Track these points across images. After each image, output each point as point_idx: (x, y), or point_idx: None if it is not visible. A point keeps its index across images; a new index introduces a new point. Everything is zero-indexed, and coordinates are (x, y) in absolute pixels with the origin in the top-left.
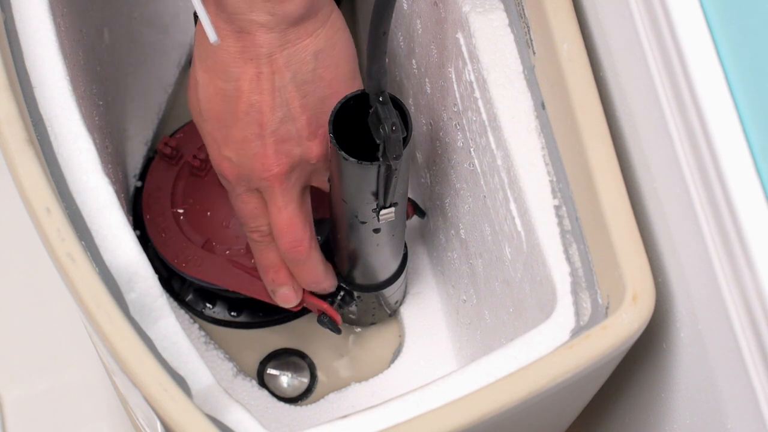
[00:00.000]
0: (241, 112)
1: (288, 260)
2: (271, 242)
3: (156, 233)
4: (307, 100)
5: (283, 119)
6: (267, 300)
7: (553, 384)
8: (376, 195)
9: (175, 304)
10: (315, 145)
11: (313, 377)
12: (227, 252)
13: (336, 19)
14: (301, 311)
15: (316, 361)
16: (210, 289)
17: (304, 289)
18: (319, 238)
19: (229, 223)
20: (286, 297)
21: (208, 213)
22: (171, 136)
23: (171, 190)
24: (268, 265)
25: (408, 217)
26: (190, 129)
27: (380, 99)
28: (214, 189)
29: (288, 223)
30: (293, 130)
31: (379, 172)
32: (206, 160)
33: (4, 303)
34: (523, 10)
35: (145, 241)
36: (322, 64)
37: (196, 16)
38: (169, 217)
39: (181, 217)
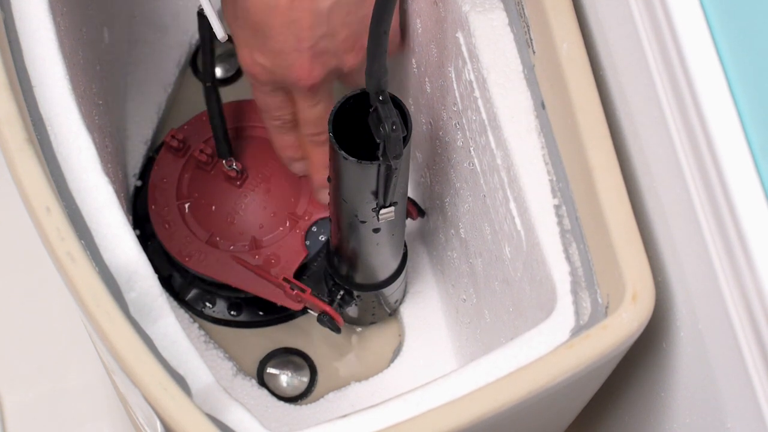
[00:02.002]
0: (280, 26)
1: (312, 144)
2: (292, 128)
3: (160, 225)
4: (350, 18)
5: (323, 35)
6: (268, 297)
7: (553, 383)
8: (375, 194)
9: (174, 303)
10: (351, 57)
11: (313, 376)
12: (231, 248)
13: None
14: (302, 310)
15: (315, 361)
16: (212, 283)
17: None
18: (321, 238)
19: (234, 219)
20: (302, 169)
21: (213, 207)
22: (178, 128)
23: (177, 182)
24: (287, 145)
25: (413, 218)
26: (197, 121)
27: (380, 98)
28: (220, 184)
29: (318, 116)
30: (331, 45)
31: (379, 171)
32: (213, 155)
33: (4, 302)
34: (522, 9)
35: (144, 240)
36: None
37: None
38: (174, 209)
39: (186, 210)
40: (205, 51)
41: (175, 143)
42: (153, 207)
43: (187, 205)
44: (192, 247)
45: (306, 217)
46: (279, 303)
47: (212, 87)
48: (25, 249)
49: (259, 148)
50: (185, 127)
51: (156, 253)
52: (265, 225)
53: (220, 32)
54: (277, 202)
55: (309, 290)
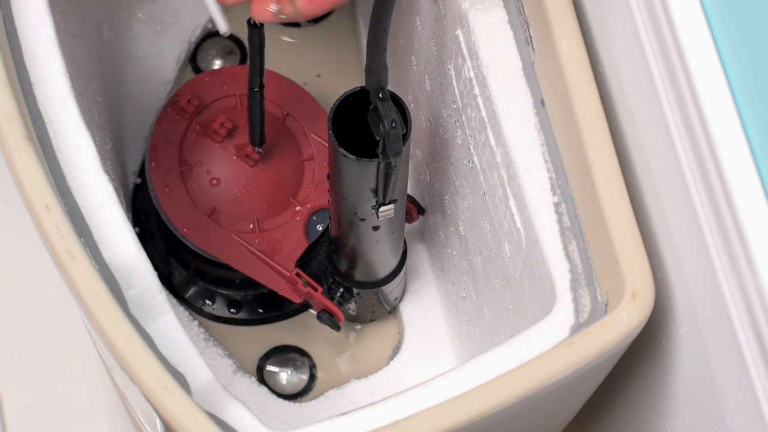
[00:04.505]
0: None
1: None
2: None
3: (160, 187)
4: None
5: None
6: (270, 286)
7: (553, 381)
8: (375, 192)
9: (174, 301)
10: None
11: (313, 374)
12: (232, 226)
13: None
14: (301, 307)
15: (315, 358)
16: (211, 280)
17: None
18: (319, 227)
19: (239, 196)
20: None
21: (219, 180)
22: (183, 87)
23: (179, 145)
24: None
25: (414, 219)
26: (199, 82)
27: (380, 95)
28: (230, 158)
29: None
30: None
31: (378, 169)
32: (232, 130)
33: (3, 300)
34: (522, 7)
35: (144, 237)
36: None
37: None
38: (176, 174)
39: (190, 178)
40: (254, 58)
41: (190, 108)
42: (153, 165)
43: (191, 172)
44: (194, 220)
45: (307, 205)
46: (280, 293)
47: (259, 92)
48: (25, 247)
49: (270, 128)
50: (184, 87)
51: (156, 250)
52: (268, 208)
53: (222, 27)
54: (282, 186)
55: (321, 290)
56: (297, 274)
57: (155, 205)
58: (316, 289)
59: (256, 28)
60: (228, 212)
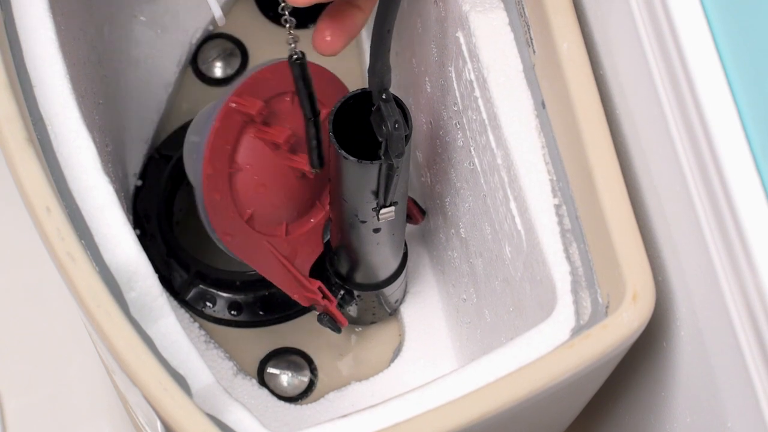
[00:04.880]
0: None
1: None
2: None
3: (211, 195)
4: None
5: None
6: (284, 289)
7: (554, 383)
8: (376, 194)
9: (175, 303)
10: None
11: (314, 376)
12: (266, 231)
13: None
14: (302, 310)
15: (316, 360)
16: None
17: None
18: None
19: (278, 202)
20: None
21: (265, 186)
22: (240, 89)
23: (232, 148)
24: None
25: (418, 221)
26: (255, 83)
27: (383, 97)
28: (282, 168)
29: None
30: None
31: (379, 170)
32: (295, 146)
33: (4, 301)
34: (523, 9)
35: (145, 239)
36: None
37: None
38: (225, 178)
39: (237, 182)
40: (301, 90)
41: (259, 118)
42: (209, 171)
43: (239, 175)
44: (234, 226)
45: (327, 207)
46: (293, 297)
47: (314, 120)
48: (25, 249)
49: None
50: (244, 88)
51: (156, 252)
52: (298, 212)
53: (218, 12)
54: (314, 190)
55: (335, 301)
56: (318, 288)
57: (200, 212)
58: (331, 301)
59: (297, 63)
60: (264, 218)
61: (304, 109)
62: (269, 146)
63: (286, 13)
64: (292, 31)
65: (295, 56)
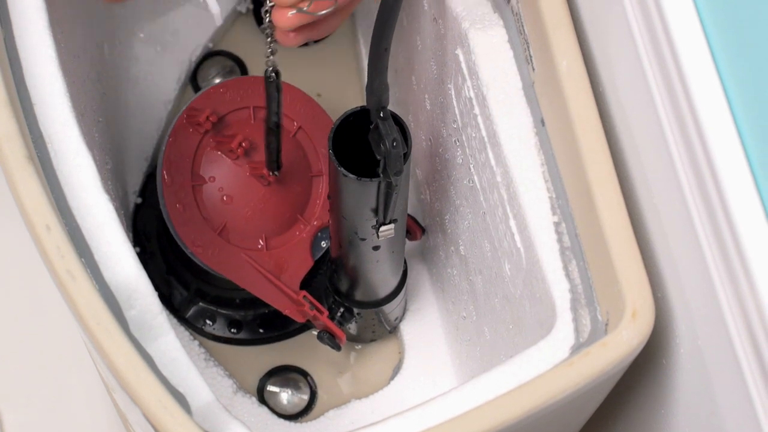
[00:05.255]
0: None
1: None
2: None
3: (172, 204)
4: None
5: None
6: (275, 305)
7: (553, 401)
8: (375, 211)
9: (174, 320)
10: None
11: (313, 394)
12: (242, 244)
13: None
14: (302, 327)
15: (316, 378)
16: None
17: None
18: (324, 245)
19: (250, 213)
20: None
21: (232, 197)
22: (195, 99)
23: (192, 159)
24: None
25: (417, 238)
26: (212, 95)
27: (381, 115)
28: (244, 176)
29: None
30: None
31: (379, 188)
32: (249, 150)
33: (3, 319)
34: (522, 26)
35: (144, 257)
36: None
37: None
38: (188, 190)
39: (202, 194)
40: (272, 104)
41: (208, 124)
42: (166, 179)
43: (203, 188)
44: (205, 237)
45: (313, 222)
46: (285, 312)
47: (275, 129)
48: (25, 266)
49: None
50: (200, 99)
51: (156, 270)
52: (277, 225)
53: (215, 8)
54: (292, 203)
55: (326, 312)
56: (304, 297)
57: (166, 222)
58: (321, 312)
59: (272, 82)
60: (238, 230)
61: (269, 119)
62: (228, 156)
63: (266, 18)
64: (272, 45)
65: (270, 78)
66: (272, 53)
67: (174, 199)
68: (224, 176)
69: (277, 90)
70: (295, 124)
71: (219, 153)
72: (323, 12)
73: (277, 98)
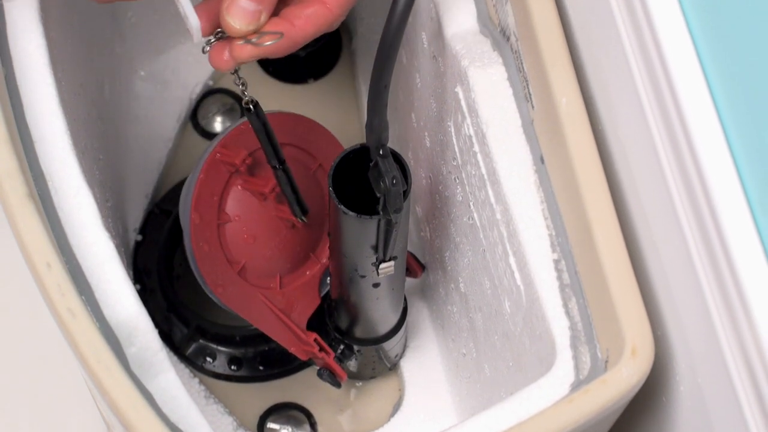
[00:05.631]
0: None
1: None
2: None
3: (199, 244)
4: None
5: None
6: (282, 343)
7: None
8: (375, 249)
9: (175, 358)
10: None
11: (313, 431)
12: (258, 283)
13: None
14: (302, 364)
15: (316, 415)
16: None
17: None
18: (329, 281)
19: (270, 254)
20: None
21: (255, 238)
22: (224, 139)
23: (220, 199)
24: None
25: (417, 276)
26: (239, 135)
27: (381, 152)
28: (270, 218)
29: None
30: None
31: (378, 225)
32: (281, 196)
33: (3, 355)
34: (521, 64)
35: (145, 294)
36: None
37: None
38: (214, 229)
39: (226, 233)
40: (262, 138)
41: (243, 168)
42: (195, 220)
43: (227, 226)
44: (226, 277)
45: (323, 260)
46: (290, 350)
47: (282, 168)
48: (25, 304)
49: (303, 180)
50: (229, 139)
51: (156, 307)
52: (293, 264)
53: (195, 22)
54: (307, 242)
55: (333, 354)
56: (315, 340)
57: (190, 263)
58: (329, 354)
59: (251, 111)
60: (257, 269)
61: (268, 157)
62: (257, 197)
63: (206, 50)
64: (241, 77)
65: (247, 106)
66: (242, 84)
67: (201, 240)
68: (250, 216)
69: (261, 123)
70: (316, 161)
71: (249, 193)
72: (269, 43)
73: (264, 132)
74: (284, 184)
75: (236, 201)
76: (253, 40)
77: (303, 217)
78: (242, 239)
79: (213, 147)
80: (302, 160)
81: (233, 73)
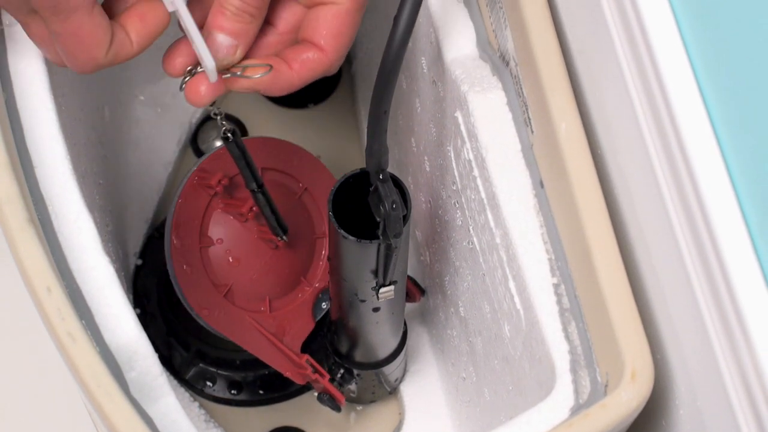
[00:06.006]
0: None
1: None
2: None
3: (179, 266)
4: None
5: None
6: (277, 368)
7: None
8: (375, 273)
9: (175, 382)
10: None
11: None
12: (247, 306)
13: None
14: (302, 388)
15: None
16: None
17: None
18: (324, 305)
19: (256, 276)
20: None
21: (239, 260)
22: (203, 162)
23: (201, 221)
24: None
25: (416, 300)
26: (218, 157)
27: (381, 177)
28: (252, 239)
29: None
30: None
31: (378, 250)
32: (259, 216)
33: (3, 380)
34: (521, 89)
35: (145, 319)
36: None
37: None
38: (196, 252)
39: (209, 256)
40: (241, 165)
41: (220, 188)
42: (174, 242)
43: (210, 249)
44: (211, 300)
45: (315, 284)
46: (286, 374)
47: (261, 191)
48: (25, 328)
49: (287, 204)
50: (210, 161)
51: (156, 331)
52: (282, 287)
53: (212, 77)
54: (296, 266)
55: (328, 377)
56: (306, 360)
57: (173, 285)
58: (323, 376)
59: (230, 141)
60: (243, 292)
61: (247, 181)
62: (238, 219)
63: (183, 83)
64: (218, 109)
65: (224, 135)
66: (220, 116)
67: (182, 262)
68: (232, 238)
69: (240, 150)
70: (301, 185)
71: (229, 216)
72: (258, 75)
73: (243, 159)
74: (263, 206)
75: (218, 224)
76: (238, 72)
77: (283, 236)
78: (226, 262)
79: (192, 171)
80: (287, 185)
81: (211, 106)
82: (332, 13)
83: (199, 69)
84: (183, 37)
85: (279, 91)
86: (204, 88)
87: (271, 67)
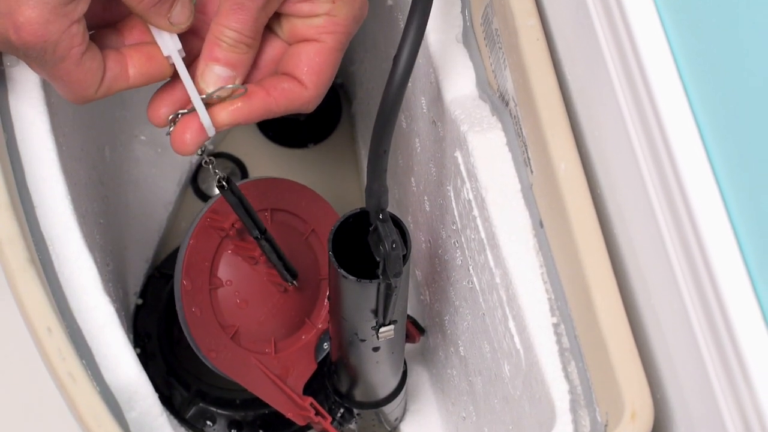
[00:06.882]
0: None
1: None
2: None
3: (189, 308)
4: None
5: None
6: (279, 408)
7: None
8: (375, 312)
9: (175, 421)
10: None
11: None
12: (252, 348)
13: None
14: (302, 428)
15: None
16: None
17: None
18: (326, 346)
19: (263, 319)
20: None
21: (247, 302)
22: (214, 203)
23: (211, 263)
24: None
25: (415, 341)
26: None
27: (380, 217)
28: (262, 282)
29: None
30: None
31: (378, 289)
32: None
33: (3, 419)
34: (520, 129)
35: (145, 358)
36: None
37: None
38: (205, 294)
39: (218, 298)
40: (240, 213)
41: (233, 232)
42: (185, 285)
43: (219, 291)
44: (218, 342)
45: (319, 325)
46: (287, 415)
47: (264, 237)
48: (25, 368)
49: (294, 245)
50: (219, 204)
51: (157, 371)
52: (287, 329)
53: (209, 129)
54: (302, 307)
55: (330, 419)
56: (310, 404)
57: (182, 327)
58: (326, 418)
59: (224, 188)
60: (250, 334)
61: (249, 229)
62: (248, 261)
63: (170, 127)
64: (210, 158)
65: (219, 184)
66: (212, 164)
67: (191, 304)
68: (242, 280)
69: (236, 197)
70: (308, 226)
71: (239, 258)
72: (237, 95)
73: (241, 206)
74: (269, 253)
75: (228, 266)
76: (215, 95)
77: (293, 281)
78: (234, 304)
79: (203, 213)
80: (294, 226)
81: (200, 154)
82: (314, 50)
83: (180, 114)
84: (164, 85)
85: (257, 117)
86: (189, 136)
87: (245, 88)
